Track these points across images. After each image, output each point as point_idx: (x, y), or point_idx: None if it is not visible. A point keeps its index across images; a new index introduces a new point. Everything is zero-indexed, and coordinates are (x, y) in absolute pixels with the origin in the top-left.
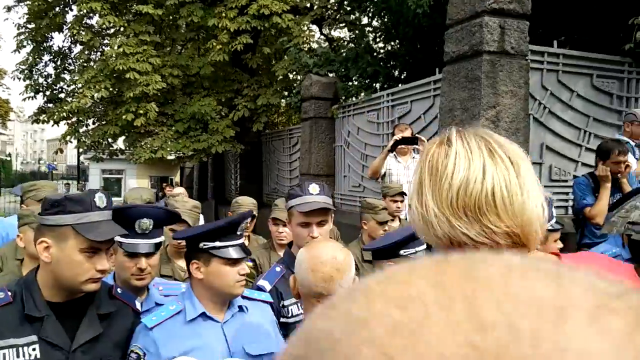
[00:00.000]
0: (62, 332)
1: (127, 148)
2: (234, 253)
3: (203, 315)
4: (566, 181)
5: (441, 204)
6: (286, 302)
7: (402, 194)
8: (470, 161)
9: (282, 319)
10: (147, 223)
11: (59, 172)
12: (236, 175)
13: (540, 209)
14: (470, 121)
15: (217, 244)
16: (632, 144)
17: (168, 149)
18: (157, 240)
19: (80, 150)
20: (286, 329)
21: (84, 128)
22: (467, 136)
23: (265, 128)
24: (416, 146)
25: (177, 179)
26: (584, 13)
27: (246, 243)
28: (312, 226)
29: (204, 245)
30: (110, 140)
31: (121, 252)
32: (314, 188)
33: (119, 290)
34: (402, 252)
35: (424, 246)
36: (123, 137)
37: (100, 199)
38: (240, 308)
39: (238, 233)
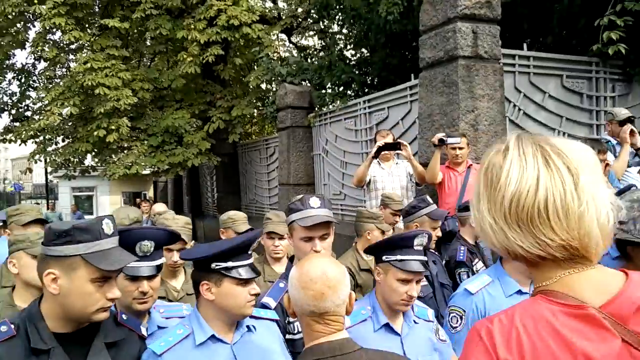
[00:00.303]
0: None
1: (99, 164)
2: (245, 273)
3: (212, 337)
4: None
5: (496, 215)
6: (291, 319)
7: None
8: (524, 171)
9: (287, 336)
10: (148, 245)
11: (26, 191)
12: (213, 187)
13: (605, 219)
14: (450, 126)
15: (230, 264)
16: (613, 142)
17: (142, 164)
18: (159, 262)
19: (50, 168)
20: (292, 346)
21: (53, 146)
22: (525, 144)
23: (239, 139)
24: (399, 151)
25: (150, 193)
26: (548, 16)
27: None
28: (315, 240)
29: (216, 265)
30: (81, 157)
31: (122, 276)
32: (314, 201)
33: (124, 316)
34: (384, 257)
35: (420, 257)
36: (93, 154)
37: (107, 226)
38: (248, 328)
39: (249, 252)
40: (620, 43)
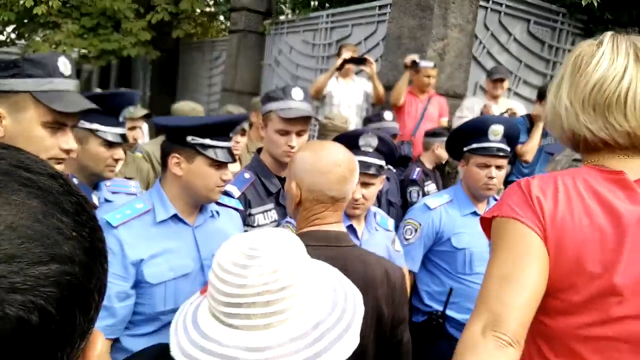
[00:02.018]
0: None
1: (21, 39)
2: (221, 155)
3: (174, 217)
4: None
5: (574, 99)
6: (253, 211)
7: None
8: (614, 62)
9: (245, 228)
10: (132, 111)
11: None
12: (145, 85)
13: None
14: (418, 51)
15: (207, 141)
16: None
17: (71, 45)
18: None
19: None
20: None
21: None
22: (619, 40)
23: (183, 36)
24: (363, 67)
25: None
26: None
27: None
28: (292, 135)
29: (193, 139)
30: (1, 28)
31: (98, 142)
32: (297, 93)
33: (74, 180)
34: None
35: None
36: (16, 25)
37: (64, 65)
38: (212, 213)
39: (230, 135)
40: None
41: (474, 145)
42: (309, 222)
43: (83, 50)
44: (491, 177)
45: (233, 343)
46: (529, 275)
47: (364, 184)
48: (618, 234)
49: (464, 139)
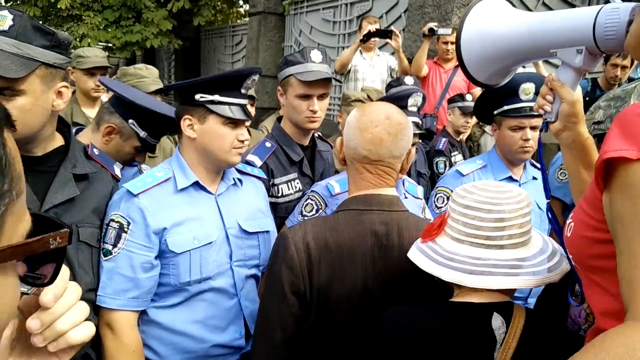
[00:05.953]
0: (29, 191)
1: None
2: (235, 112)
3: (195, 185)
4: None
5: None
6: (276, 181)
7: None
8: None
9: (271, 199)
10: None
11: None
12: (170, 74)
13: None
14: (442, 19)
15: (217, 97)
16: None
17: (95, 38)
18: None
19: None
20: (274, 210)
21: None
22: None
23: (204, 23)
24: (388, 40)
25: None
26: None
27: None
28: (313, 99)
29: (201, 97)
30: None
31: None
32: (316, 55)
33: (95, 150)
34: None
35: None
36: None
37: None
38: (234, 181)
39: (242, 91)
40: None
41: (506, 107)
42: (359, 186)
43: (105, 43)
44: (527, 139)
45: (502, 257)
46: None
47: None
48: None
49: (494, 101)
